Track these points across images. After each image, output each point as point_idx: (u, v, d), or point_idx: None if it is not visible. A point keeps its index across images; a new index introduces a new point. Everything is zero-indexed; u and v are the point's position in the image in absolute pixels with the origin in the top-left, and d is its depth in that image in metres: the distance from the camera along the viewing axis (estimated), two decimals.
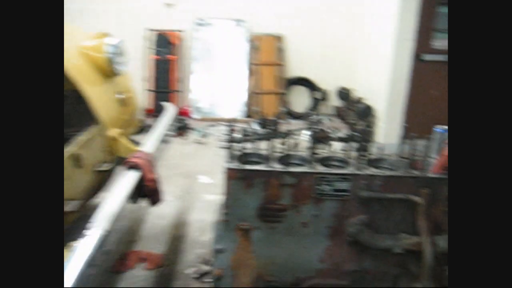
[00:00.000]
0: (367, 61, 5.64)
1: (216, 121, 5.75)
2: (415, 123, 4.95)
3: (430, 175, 1.97)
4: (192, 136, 5.21)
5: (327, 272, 2.06)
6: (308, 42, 5.98)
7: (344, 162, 2.13)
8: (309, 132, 5.33)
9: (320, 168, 1.99)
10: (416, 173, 1.98)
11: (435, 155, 2.11)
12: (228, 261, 2.06)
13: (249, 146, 2.29)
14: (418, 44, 4.74)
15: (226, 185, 2.01)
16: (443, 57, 4.93)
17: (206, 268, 2.66)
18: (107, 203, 1.69)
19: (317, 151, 2.14)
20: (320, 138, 5.50)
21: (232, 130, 2.07)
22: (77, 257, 1.32)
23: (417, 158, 2.05)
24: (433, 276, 1.93)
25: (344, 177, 1.96)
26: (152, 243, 2.92)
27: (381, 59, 5.07)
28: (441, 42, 5.13)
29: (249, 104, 5.93)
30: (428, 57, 4.86)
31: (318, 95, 6.22)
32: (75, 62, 2.32)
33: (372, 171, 1.99)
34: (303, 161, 2.13)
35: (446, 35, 5.29)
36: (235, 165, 1.97)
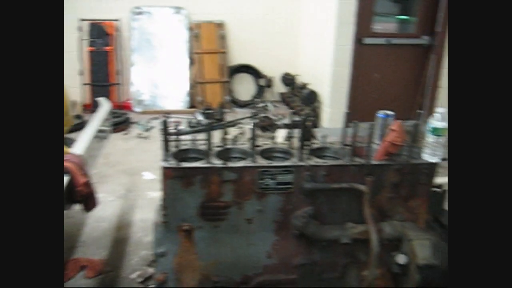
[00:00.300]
0: (310, 46, 5.62)
1: (159, 113, 5.54)
2: (359, 107, 5.02)
3: (374, 162, 1.94)
4: (135, 130, 4.98)
5: (275, 268, 1.99)
6: (250, 28, 5.86)
7: (286, 153, 2.06)
8: (253, 121, 5.27)
9: (262, 161, 1.90)
10: (359, 161, 1.94)
11: (378, 141, 2.08)
12: (171, 264, 1.94)
13: (186, 141, 2.15)
14: (359, 28, 4.75)
15: (163, 184, 1.87)
16: (383, 40, 5.00)
17: (151, 271, 2.53)
18: None
19: (259, 142, 2.05)
20: (265, 125, 5.43)
21: (166, 124, 1.92)
22: None
23: (360, 145, 2.02)
24: (380, 263, 1.92)
25: (287, 170, 1.89)
26: (92, 249, 2.74)
27: (324, 44, 5.06)
28: (380, 25, 5.20)
29: (192, 94, 5.75)
30: (368, 40, 4.91)
31: (262, 82, 6.15)
32: None
33: (315, 161, 1.93)
34: (244, 154, 2.04)
35: (385, 19, 5.37)
36: (172, 163, 1.84)
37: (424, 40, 5.13)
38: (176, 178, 1.84)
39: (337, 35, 4.75)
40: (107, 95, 5.52)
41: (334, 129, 4.21)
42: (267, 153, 2.04)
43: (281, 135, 4.88)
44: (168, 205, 1.89)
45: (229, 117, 5.39)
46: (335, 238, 1.96)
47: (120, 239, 2.87)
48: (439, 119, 1.93)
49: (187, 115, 5.47)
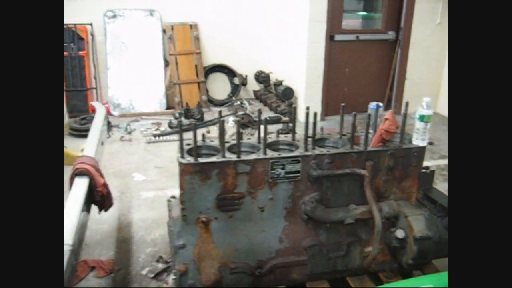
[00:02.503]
0: (283, 44, 5.81)
1: (137, 116, 5.57)
2: (332, 100, 5.26)
3: (371, 148, 2.14)
4: (116, 134, 5.00)
5: (286, 251, 2.16)
6: (223, 28, 5.98)
7: (291, 145, 2.23)
8: (233, 118, 5.41)
9: (272, 153, 2.06)
10: (359, 148, 2.14)
11: (371, 129, 2.27)
12: (190, 256, 2.07)
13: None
14: (330, 26, 4.99)
15: (181, 180, 1.99)
16: (353, 37, 5.26)
17: (161, 266, 2.63)
18: (66, 217, 1.62)
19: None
20: (245, 122, 5.59)
21: (181, 123, 2.04)
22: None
23: (356, 135, 2.22)
24: (382, 238, 2.12)
25: (295, 159, 2.05)
26: (97, 250, 2.81)
27: (297, 42, 5.26)
28: (346, 22, 5.47)
29: (168, 95, 5.81)
30: (339, 37, 5.16)
31: (237, 80, 6.29)
32: None
33: (320, 150, 2.11)
34: (252, 148, 2.19)
35: (351, 15, 5.64)
36: (190, 159, 1.97)
37: (390, 35, 5.45)
38: (194, 173, 1.97)
39: (309, 32, 4.96)
40: (84, 100, 5.51)
41: (310, 123, 4.41)
42: (273, 146, 2.20)
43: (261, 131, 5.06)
44: (186, 199, 2.01)
45: (207, 116, 5.51)
46: (340, 220, 2.15)
47: (123, 239, 2.95)
48: (425, 107, 2.16)
49: (166, 117, 5.54)
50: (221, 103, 6.14)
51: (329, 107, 5.28)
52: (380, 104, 2.35)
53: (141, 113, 5.59)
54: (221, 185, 2.02)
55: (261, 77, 6.19)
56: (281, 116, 5.36)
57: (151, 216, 3.23)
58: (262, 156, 2.03)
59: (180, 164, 1.97)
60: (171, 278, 2.52)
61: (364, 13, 5.91)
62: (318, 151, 2.11)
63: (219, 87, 6.29)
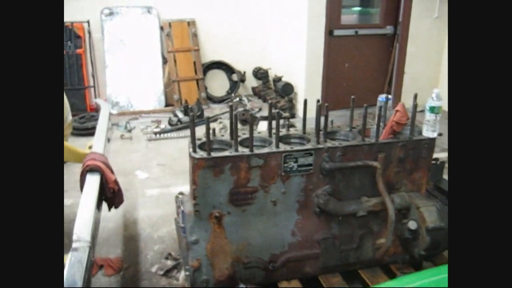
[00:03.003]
0: (281, 40, 5.79)
1: (136, 113, 5.54)
2: (332, 95, 5.26)
3: (383, 140, 2.14)
4: (116, 132, 4.96)
5: (299, 245, 2.16)
6: (220, 25, 5.95)
7: (302, 139, 2.23)
8: (233, 114, 5.39)
9: (285, 146, 2.06)
10: (370, 140, 2.14)
11: (380, 122, 2.27)
12: (203, 251, 2.06)
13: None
14: (329, 21, 4.98)
15: (193, 175, 1.98)
16: (352, 32, 5.27)
17: (170, 263, 2.62)
18: (81, 213, 1.60)
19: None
20: (245, 119, 5.57)
21: (194, 118, 2.02)
22: (68, 275, 1.25)
23: (365, 127, 2.22)
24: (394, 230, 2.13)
25: (308, 152, 2.05)
26: (105, 248, 2.78)
27: (296, 37, 5.25)
28: (345, 17, 5.47)
29: (167, 93, 5.78)
30: (338, 32, 5.16)
31: (235, 77, 6.27)
32: None
33: (332, 143, 2.11)
34: (263, 142, 2.18)
35: (349, 11, 5.64)
36: (203, 154, 1.95)
37: (388, 29, 5.45)
38: (207, 168, 1.96)
39: (309, 28, 4.95)
40: (82, 99, 5.46)
41: (311, 118, 4.42)
42: (285, 139, 2.19)
43: (263, 127, 5.05)
44: (199, 194, 2.00)
45: (206, 113, 5.48)
46: (353, 212, 2.15)
47: (130, 236, 2.93)
48: (435, 98, 2.16)
49: (165, 114, 5.51)
50: (220, 100, 6.12)
51: (329, 102, 5.26)
52: (390, 96, 2.35)
53: (140, 111, 5.56)
54: (234, 180, 2.01)
55: (260, 73, 6.17)
56: (281, 112, 5.35)
57: (157, 213, 3.21)
58: (275, 149, 2.02)
59: (193, 159, 1.95)
60: (181, 275, 2.51)
61: (361, 8, 5.91)
62: (330, 143, 2.10)
63: (218, 84, 6.27)
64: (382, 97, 2.31)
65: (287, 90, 5.50)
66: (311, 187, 2.12)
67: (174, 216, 3.03)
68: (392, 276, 2.25)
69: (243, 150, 2.00)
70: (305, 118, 2.29)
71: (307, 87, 5.27)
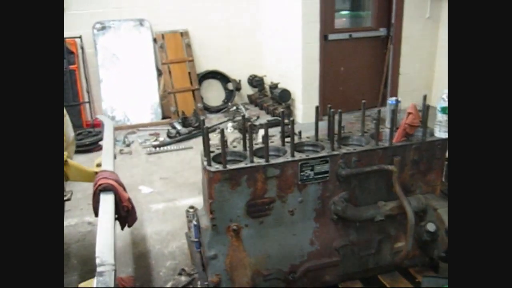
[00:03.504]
0: (276, 47, 5.79)
1: (133, 127, 5.48)
2: (329, 100, 5.26)
3: (397, 143, 2.13)
4: (115, 147, 4.90)
5: (318, 253, 2.13)
6: (214, 35, 5.93)
7: (315, 146, 2.20)
8: (232, 124, 5.36)
9: (300, 155, 2.03)
10: (385, 144, 2.12)
11: (388, 124, 2.26)
12: (222, 266, 2.02)
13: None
14: (323, 25, 4.99)
15: (209, 189, 1.94)
16: (346, 35, 5.28)
17: (184, 279, 2.57)
18: (101, 235, 1.56)
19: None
20: (245, 127, 5.55)
21: (207, 131, 1.99)
22: None
23: (378, 131, 2.20)
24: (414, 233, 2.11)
25: (324, 160, 2.03)
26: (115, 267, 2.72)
27: (291, 43, 5.25)
28: (339, 21, 5.49)
29: (163, 105, 5.74)
30: (333, 36, 5.17)
31: (230, 86, 6.25)
32: None
33: (347, 149, 2.09)
34: (277, 151, 2.15)
35: (339, 15, 5.66)
36: (219, 167, 1.92)
37: (382, 32, 5.48)
38: (223, 181, 1.92)
39: (304, 33, 4.95)
40: (78, 115, 5.39)
41: (311, 123, 4.41)
42: (298, 147, 2.16)
43: (262, 135, 5.03)
44: (216, 208, 1.96)
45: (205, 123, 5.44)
46: (371, 217, 2.13)
47: (140, 254, 2.88)
48: (446, 99, 2.15)
49: (163, 127, 5.46)
50: (216, 110, 6.09)
51: (326, 107, 5.27)
52: (400, 99, 2.34)
53: (137, 124, 5.50)
54: (251, 191, 1.98)
55: (255, 81, 6.16)
56: (280, 119, 5.33)
57: (165, 229, 3.16)
58: (290, 158, 2.00)
59: (209, 172, 1.92)
60: None
61: (351, 12, 5.93)
62: (345, 149, 2.08)
63: (213, 93, 6.24)
64: (392, 100, 2.30)
65: (284, 96, 5.49)
66: (327, 195, 2.10)
67: (183, 230, 2.98)
68: (412, 279, 2.23)
69: (259, 161, 1.97)
70: (318, 124, 2.26)
71: (305, 92, 5.27)
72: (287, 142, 2.18)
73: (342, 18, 5.75)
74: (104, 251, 1.44)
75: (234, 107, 5.96)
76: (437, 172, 2.26)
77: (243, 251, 2.04)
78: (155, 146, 4.74)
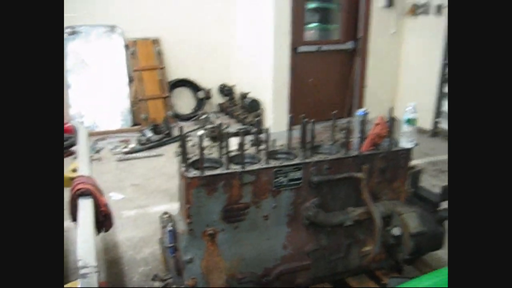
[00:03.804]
0: (247, 58, 5.89)
1: (103, 134, 5.43)
2: (298, 110, 5.40)
3: (366, 152, 2.25)
4: None
5: (291, 257, 2.21)
6: (185, 43, 5.97)
7: (288, 154, 2.30)
8: (203, 132, 5.41)
9: (275, 162, 2.12)
10: (354, 153, 2.24)
11: (358, 134, 2.39)
12: (198, 269, 2.07)
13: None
14: (293, 38, 5.14)
15: (187, 194, 2.00)
16: (315, 48, 5.46)
17: (157, 284, 2.59)
18: (82, 238, 1.59)
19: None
20: (215, 135, 5.62)
21: (184, 137, 2.04)
22: None
23: (348, 140, 2.32)
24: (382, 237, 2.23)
25: (297, 167, 2.12)
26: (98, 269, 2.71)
27: (262, 55, 5.36)
28: (307, 33, 5.66)
29: (134, 112, 5.72)
30: (302, 48, 5.33)
31: (201, 94, 6.30)
32: None
33: (319, 157, 2.19)
34: (252, 158, 2.23)
35: (311, 28, 5.84)
36: (196, 172, 1.98)
37: (349, 45, 5.70)
38: (200, 187, 1.98)
39: (275, 45, 5.09)
40: None
41: (281, 132, 4.53)
42: (272, 155, 2.25)
43: (233, 143, 5.10)
44: (193, 213, 2.01)
45: (175, 131, 5.47)
46: (341, 222, 2.23)
47: (112, 260, 2.88)
48: (411, 111, 2.31)
49: (133, 133, 5.44)
50: (187, 118, 6.12)
51: (295, 117, 5.41)
52: (368, 110, 2.47)
53: (106, 131, 5.45)
54: (227, 197, 2.05)
55: (225, 90, 6.24)
56: (249, 127, 5.42)
57: (137, 235, 3.17)
58: (265, 165, 2.08)
59: (186, 178, 1.97)
60: None
61: (320, 24, 6.12)
62: (317, 158, 2.19)
63: (184, 101, 6.27)
64: (360, 111, 2.43)
65: (254, 106, 5.60)
66: (300, 201, 2.19)
67: (155, 237, 3.00)
68: (378, 282, 2.35)
69: (235, 167, 2.05)
70: (290, 133, 2.36)
71: (274, 102, 5.39)
72: (260, 150, 2.28)
73: (310, 31, 5.92)
74: (86, 253, 1.47)
75: (205, 116, 6.01)
76: (401, 180, 2.40)
77: (218, 255, 2.10)
78: (125, 153, 4.72)
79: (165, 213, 2.55)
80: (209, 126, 5.56)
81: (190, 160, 2.12)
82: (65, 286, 1.43)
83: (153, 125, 5.29)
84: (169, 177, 4.19)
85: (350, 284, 2.35)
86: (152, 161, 4.68)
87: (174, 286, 2.21)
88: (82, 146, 2.52)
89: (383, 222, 2.28)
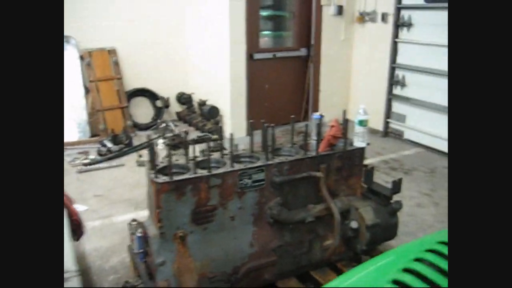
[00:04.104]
0: (203, 66, 5.99)
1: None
2: (255, 115, 5.56)
3: (323, 153, 2.43)
4: None
5: (257, 254, 2.34)
6: (141, 53, 5.99)
7: (251, 157, 2.43)
8: (163, 141, 5.45)
9: (240, 165, 2.24)
10: (312, 154, 2.41)
11: (315, 137, 2.55)
12: (170, 271, 2.15)
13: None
14: (249, 45, 5.30)
15: (157, 199, 2.08)
16: (270, 55, 5.65)
17: None
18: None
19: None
20: (176, 143, 5.68)
21: (153, 146, 2.12)
22: None
23: (306, 142, 2.49)
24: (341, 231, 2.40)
25: (260, 169, 2.26)
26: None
27: (219, 62, 5.48)
28: (263, 41, 5.85)
29: (91, 123, 5.67)
30: (258, 55, 5.50)
31: (159, 103, 6.32)
32: None
33: (280, 159, 2.34)
34: (217, 163, 2.35)
35: (265, 35, 6.03)
36: (165, 178, 2.07)
37: (302, 52, 5.94)
38: (169, 191, 2.08)
39: (231, 53, 5.23)
40: None
41: (242, 138, 4.67)
42: (235, 159, 2.37)
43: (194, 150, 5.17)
44: (163, 217, 2.10)
45: (134, 141, 5.47)
46: (302, 219, 2.39)
47: (81, 270, 2.87)
48: (362, 113, 2.50)
49: (92, 145, 5.39)
50: (146, 127, 6.12)
51: (253, 122, 5.57)
52: (323, 114, 2.64)
53: (64, 143, 5.37)
54: (195, 200, 2.15)
55: (183, 98, 6.30)
56: (209, 134, 5.52)
57: (104, 245, 3.19)
58: (230, 168, 2.20)
59: (156, 184, 2.06)
60: None
61: (274, 32, 6.33)
62: (278, 159, 2.33)
63: (142, 111, 6.27)
64: (316, 115, 2.60)
65: (213, 113, 5.70)
66: (264, 200, 2.33)
67: (122, 245, 3.04)
68: (340, 273, 2.52)
69: (202, 172, 2.15)
70: (252, 138, 2.49)
71: (232, 109, 5.52)
72: (224, 154, 2.40)
73: (265, 38, 6.12)
74: (66, 259, 1.53)
75: (164, 124, 6.05)
76: (357, 177, 2.60)
77: (189, 256, 2.19)
78: (85, 164, 4.69)
79: (134, 220, 2.61)
80: (169, 134, 5.61)
81: (158, 167, 2.21)
82: None
83: (113, 135, 5.27)
84: (131, 186, 4.21)
85: (314, 277, 2.50)
86: (113, 172, 4.67)
87: None
88: None
89: (342, 216, 2.47)
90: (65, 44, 5.50)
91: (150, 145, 2.13)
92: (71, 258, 1.53)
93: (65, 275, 1.42)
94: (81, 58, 5.61)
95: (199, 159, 2.31)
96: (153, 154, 2.13)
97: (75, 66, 5.55)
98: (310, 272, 2.53)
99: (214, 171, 2.17)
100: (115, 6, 5.78)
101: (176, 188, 2.08)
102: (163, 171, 2.18)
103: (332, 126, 2.44)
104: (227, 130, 5.66)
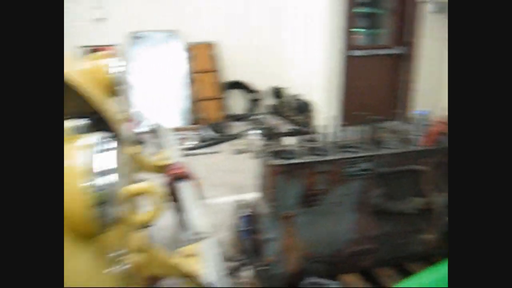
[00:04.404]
0: (299, 61, 6.17)
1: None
2: (347, 112, 5.63)
3: (427, 147, 2.48)
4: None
5: (359, 240, 2.46)
6: (239, 47, 6.32)
7: (355, 147, 2.55)
8: (257, 131, 5.71)
9: (347, 154, 2.38)
10: (418, 148, 2.47)
11: (417, 132, 2.60)
12: (277, 248, 2.35)
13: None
14: (345, 42, 5.38)
15: (271, 180, 2.28)
16: (364, 52, 5.68)
17: (233, 264, 2.88)
18: (193, 216, 1.86)
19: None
20: (271, 135, 5.92)
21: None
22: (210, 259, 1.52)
23: (410, 137, 2.55)
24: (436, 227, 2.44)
25: (368, 159, 2.37)
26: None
27: (314, 58, 5.63)
28: (358, 38, 5.88)
29: (192, 111, 6.10)
30: (353, 52, 5.55)
31: (253, 96, 6.62)
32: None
33: (387, 150, 2.44)
34: (325, 151, 2.49)
35: (361, 32, 6.05)
36: (280, 161, 2.26)
37: (397, 50, 5.87)
38: (283, 173, 2.27)
39: (325, 49, 5.34)
40: None
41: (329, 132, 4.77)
42: (342, 148, 2.50)
43: (286, 142, 5.38)
44: (275, 197, 2.30)
45: (231, 130, 5.81)
46: (403, 211, 2.46)
47: None
48: None
49: (190, 132, 5.82)
50: (240, 118, 6.45)
51: (345, 118, 5.63)
52: (427, 110, 2.68)
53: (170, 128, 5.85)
54: (305, 184, 2.32)
55: (277, 92, 6.54)
56: (300, 127, 5.69)
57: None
58: (339, 156, 2.34)
59: (272, 165, 2.26)
60: (245, 274, 2.77)
61: (367, 29, 6.29)
62: (385, 150, 2.43)
63: (238, 102, 6.61)
64: (421, 111, 2.65)
65: (304, 107, 5.86)
66: (368, 189, 2.44)
67: (219, 225, 3.29)
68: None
69: (313, 158, 2.32)
70: (353, 131, 2.60)
71: (324, 104, 5.63)
72: (330, 143, 2.54)
73: (359, 35, 6.12)
74: (201, 222, 1.77)
75: (257, 116, 6.33)
76: None
77: (295, 235, 2.37)
78: (189, 149, 5.09)
79: (240, 200, 2.85)
80: (263, 126, 5.88)
81: (272, 151, 2.41)
82: (182, 248, 1.63)
83: (214, 124, 5.65)
84: (229, 171, 4.51)
85: (412, 269, 2.57)
86: (210, 158, 5.02)
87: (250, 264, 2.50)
88: (170, 139, 2.87)
89: (442, 212, 2.50)
90: (172, 37, 5.98)
91: (275, 134, 2.33)
92: (205, 220, 1.76)
93: (202, 235, 1.64)
94: (186, 51, 6.05)
95: (309, 145, 2.47)
96: (272, 140, 2.34)
97: (181, 58, 6.01)
98: (408, 263, 2.60)
99: (325, 158, 2.32)
100: (218, 1, 6.20)
101: (288, 171, 2.27)
102: (276, 155, 2.37)
103: (440, 123, 2.48)
104: (319, 125, 5.79)
